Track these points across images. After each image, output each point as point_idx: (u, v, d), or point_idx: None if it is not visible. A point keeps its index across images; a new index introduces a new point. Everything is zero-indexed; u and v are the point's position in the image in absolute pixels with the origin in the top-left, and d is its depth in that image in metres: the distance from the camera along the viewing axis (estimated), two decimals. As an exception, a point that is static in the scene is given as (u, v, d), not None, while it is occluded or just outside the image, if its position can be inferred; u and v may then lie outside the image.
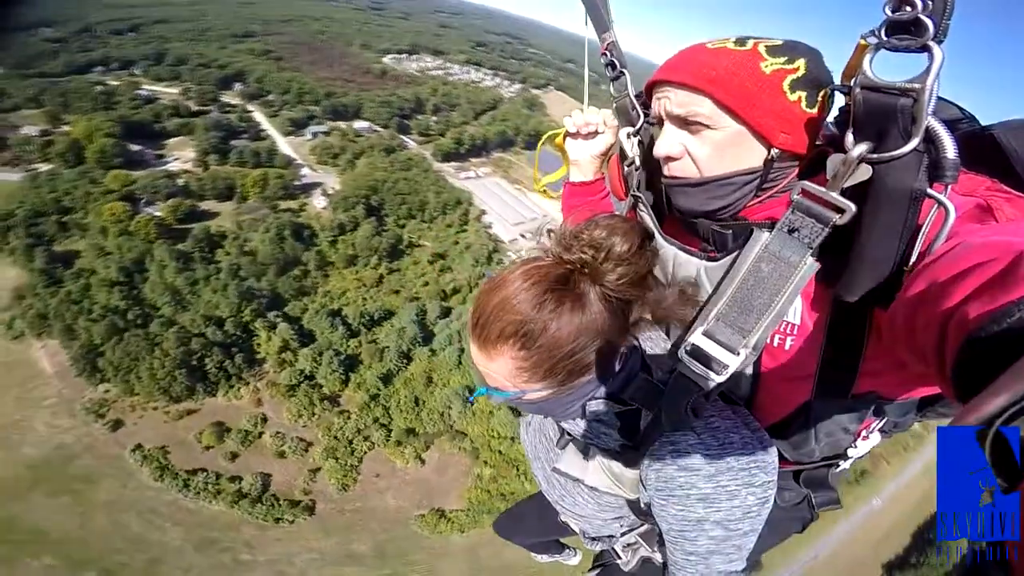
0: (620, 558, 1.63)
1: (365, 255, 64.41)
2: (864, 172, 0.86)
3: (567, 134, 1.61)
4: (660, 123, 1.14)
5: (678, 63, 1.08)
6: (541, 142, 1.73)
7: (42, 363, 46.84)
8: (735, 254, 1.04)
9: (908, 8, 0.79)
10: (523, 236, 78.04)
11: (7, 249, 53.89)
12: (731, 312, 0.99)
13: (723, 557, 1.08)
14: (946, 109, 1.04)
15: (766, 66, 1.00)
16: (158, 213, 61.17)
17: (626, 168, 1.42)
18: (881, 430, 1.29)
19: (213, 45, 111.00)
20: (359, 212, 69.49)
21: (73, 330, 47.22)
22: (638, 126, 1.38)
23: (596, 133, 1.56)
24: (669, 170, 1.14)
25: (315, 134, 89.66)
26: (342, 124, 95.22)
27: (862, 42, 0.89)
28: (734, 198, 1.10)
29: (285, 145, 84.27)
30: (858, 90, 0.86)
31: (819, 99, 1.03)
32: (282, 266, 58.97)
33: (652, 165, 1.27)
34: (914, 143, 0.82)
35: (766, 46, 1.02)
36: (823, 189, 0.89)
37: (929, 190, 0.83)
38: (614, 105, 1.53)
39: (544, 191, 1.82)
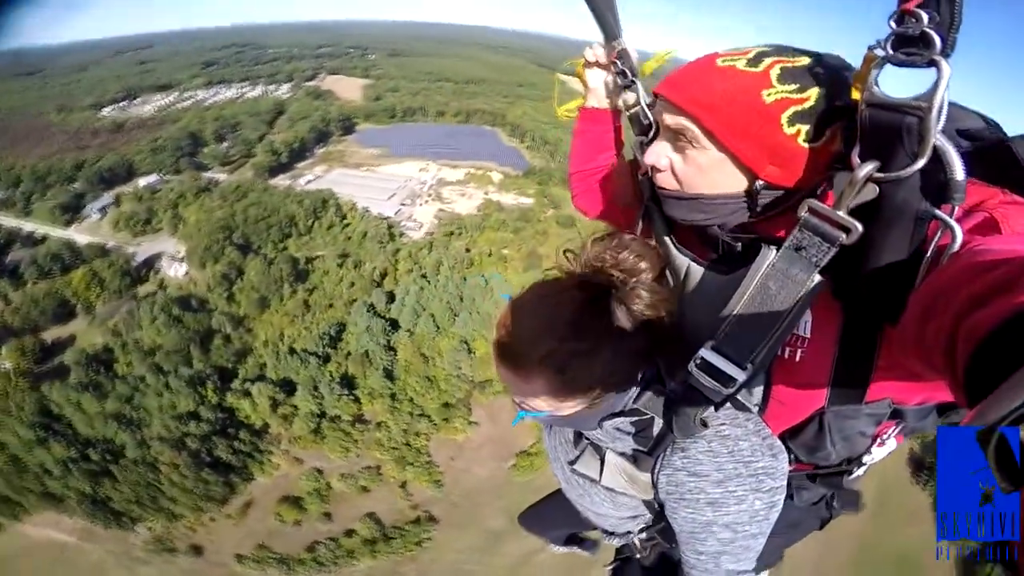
0: (639, 553, 1.75)
1: (272, 291, 59.51)
2: (870, 191, 0.87)
3: (586, 63, 1.70)
4: (656, 130, 1.21)
5: (681, 78, 1.10)
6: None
7: (53, 536, 40.93)
8: (744, 269, 1.06)
9: (914, 21, 0.78)
10: (404, 204, 78.77)
11: None
12: (739, 327, 1.02)
13: (732, 557, 1.17)
14: (968, 119, 1.01)
15: (769, 94, 0.98)
16: (6, 364, 49.10)
17: (640, 177, 1.45)
18: (902, 434, 1.35)
19: None
20: (232, 256, 62.85)
21: (52, 495, 40.50)
22: (651, 136, 1.36)
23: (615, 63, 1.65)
24: (655, 178, 1.20)
25: (102, 210, 76.01)
26: (126, 188, 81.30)
27: (869, 55, 0.88)
28: (719, 217, 1.14)
29: (77, 235, 69.90)
30: (864, 107, 0.87)
31: (828, 132, 1.00)
32: (200, 342, 52.21)
33: None
34: (920, 163, 0.82)
35: (781, 68, 0.99)
36: (830, 208, 0.90)
37: (936, 211, 0.84)
38: (627, 115, 1.62)
39: (565, 115, 1.91)
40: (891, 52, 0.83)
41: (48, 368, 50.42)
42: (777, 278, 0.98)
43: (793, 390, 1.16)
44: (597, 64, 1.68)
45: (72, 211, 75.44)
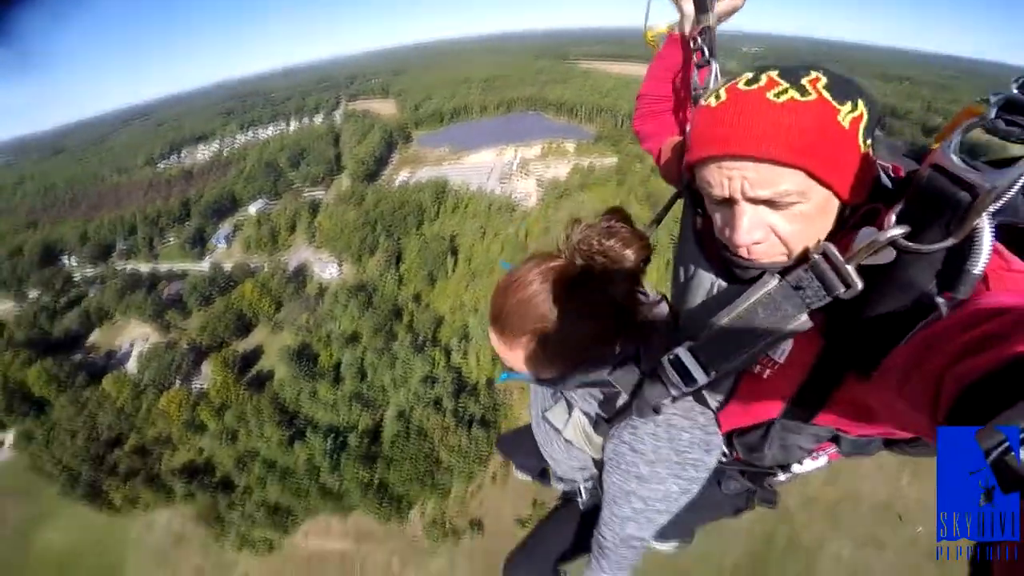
0: (581, 497, 1.95)
1: (437, 266, 64.86)
2: (887, 255, 0.83)
3: None
4: (727, 203, 1.02)
5: (751, 128, 0.92)
6: None
7: (328, 547, 40.82)
8: (746, 287, 1.04)
9: None
10: (502, 183, 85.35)
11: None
12: (718, 339, 1.05)
13: (636, 525, 1.36)
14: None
15: (843, 118, 0.90)
16: (216, 379, 52.79)
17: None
18: (840, 453, 1.40)
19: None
20: (387, 245, 68.58)
21: (330, 491, 41.61)
22: (708, 210, 1.21)
23: None
24: (750, 253, 1.03)
25: (226, 238, 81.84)
26: (238, 217, 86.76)
27: (971, 107, 0.82)
28: None
29: (223, 259, 74.98)
30: (928, 168, 0.79)
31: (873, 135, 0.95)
32: (396, 318, 57.53)
33: None
34: (949, 243, 0.77)
35: (826, 88, 0.91)
36: (840, 259, 0.87)
37: (937, 299, 0.80)
38: (694, 93, 1.59)
39: (652, 42, 1.82)
40: (993, 115, 0.76)
41: (254, 374, 54.47)
42: (768, 307, 0.97)
43: (752, 399, 1.23)
44: None
45: (199, 244, 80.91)
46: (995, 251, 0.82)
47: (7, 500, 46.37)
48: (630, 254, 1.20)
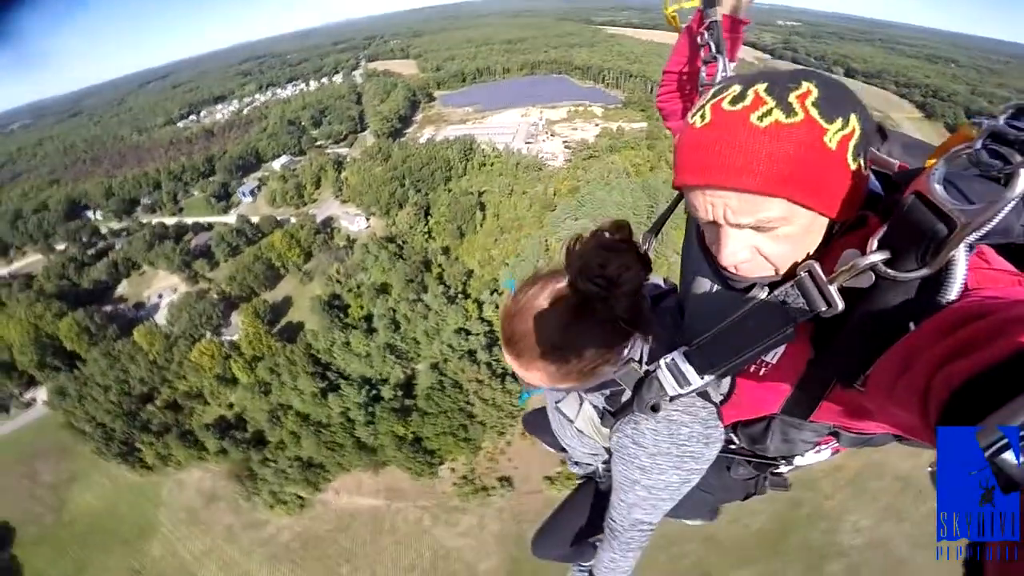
0: (599, 479, 2.12)
1: (466, 220, 63.17)
2: (866, 280, 0.85)
3: None
4: (713, 223, 1.03)
5: (730, 159, 0.90)
6: None
7: (360, 503, 40.07)
8: (740, 295, 1.10)
9: None
10: (528, 143, 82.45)
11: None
12: (711, 345, 1.10)
13: (641, 510, 1.47)
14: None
15: (830, 139, 0.87)
16: (248, 330, 50.68)
17: None
18: (843, 446, 1.43)
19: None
20: (416, 199, 66.82)
21: (365, 445, 40.36)
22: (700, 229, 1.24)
23: None
24: (737, 270, 1.06)
25: (252, 192, 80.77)
26: (262, 172, 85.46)
27: (965, 131, 0.80)
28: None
29: (248, 213, 73.86)
30: (912, 195, 0.79)
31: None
32: (426, 270, 56.43)
33: None
34: (923, 272, 0.78)
35: (814, 105, 0.87)
36: (824, 280, 0.88)
37: (909, 326, 0.81)
38: (700, 88, 1.61)
39: (673, 18, 1.76)
40: (980, 144, 0.75)
41: (284, 325, 53.37)
42: (757, 318, 1.00)
43: (751, 395, 1.29)
44: None
45: (223, 198, 79.94)
46: (976, 250, 0.81)
47: (41, 460, 45.71)
48: (629, 276, 1.21)
